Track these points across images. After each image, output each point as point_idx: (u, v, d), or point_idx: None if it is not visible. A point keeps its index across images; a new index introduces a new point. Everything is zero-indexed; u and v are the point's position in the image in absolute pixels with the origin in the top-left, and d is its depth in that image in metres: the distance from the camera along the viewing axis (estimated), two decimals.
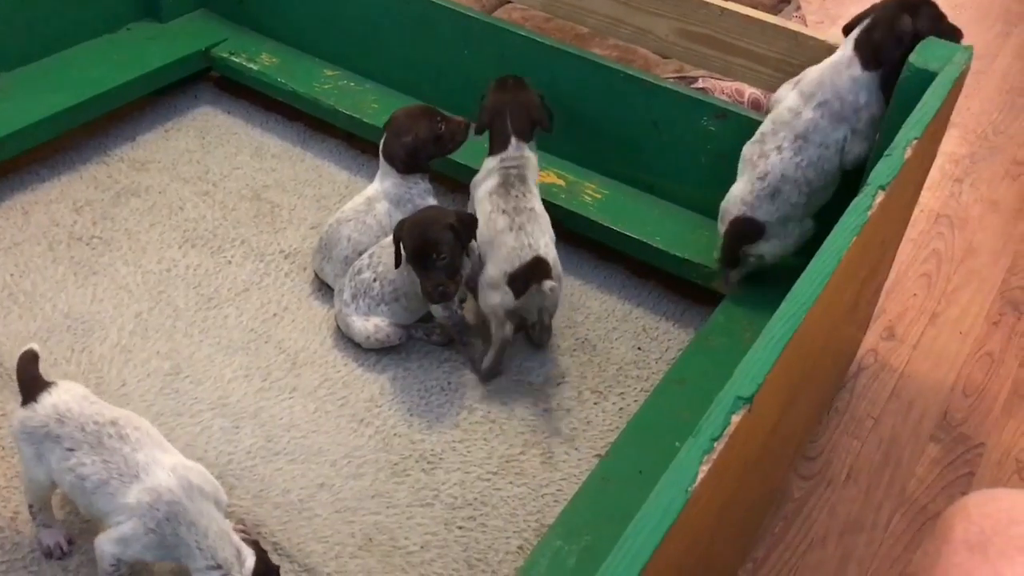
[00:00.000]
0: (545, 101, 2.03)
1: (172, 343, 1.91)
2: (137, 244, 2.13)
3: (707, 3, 1.91)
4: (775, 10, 2.61)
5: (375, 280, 1.91)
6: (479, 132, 2.03)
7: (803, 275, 1.16)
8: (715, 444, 0.94)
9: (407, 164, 1.99)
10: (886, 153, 1.38)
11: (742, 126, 2.00)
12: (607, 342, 2.03)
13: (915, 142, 1.41)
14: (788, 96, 1.85)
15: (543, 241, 1.86)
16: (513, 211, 1.88)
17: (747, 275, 2.00)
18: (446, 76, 2.37)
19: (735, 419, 0.98)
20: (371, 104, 2.42)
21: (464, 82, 2.34)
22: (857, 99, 1.77)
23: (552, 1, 2.13)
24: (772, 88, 2.00)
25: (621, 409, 1.88)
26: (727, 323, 1.96)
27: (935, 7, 1.79)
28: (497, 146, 1.99)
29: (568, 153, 2.06)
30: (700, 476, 0.92)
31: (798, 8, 2.63)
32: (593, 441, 1.82)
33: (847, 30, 1.85)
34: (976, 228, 2.56)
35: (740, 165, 1.90)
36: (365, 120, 2.36)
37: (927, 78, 1.62)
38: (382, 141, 2.02)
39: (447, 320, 1.91)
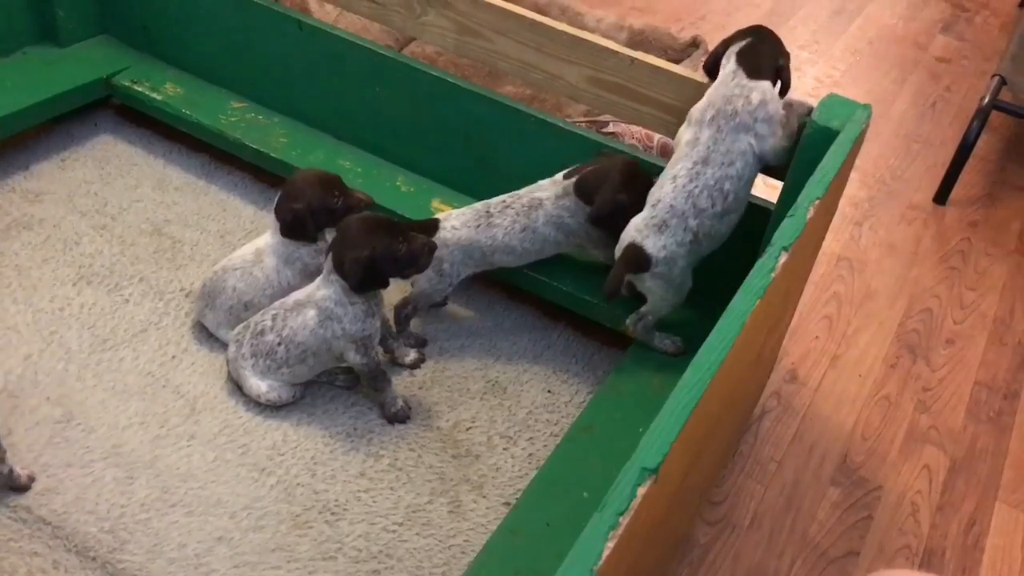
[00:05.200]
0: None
1: (64, 388, 1.82)
2: (28, 281, 2.03)
3: (617, 52, 1.93)
4: (684, 54, 2.66)
5: (280, 344, 1.82)
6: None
7: (707, 341, 1.16)
8: (620, 519, 0.93)
9: (292, 230, 1.90)
10: (789, 214, 1.40)
11: (651, 174, 2.03)
12: (517, 385, 2.02)
13: (818, 202, 1.44)
14: (683, 133, 1.87)
15: (451, 222, 2.00)
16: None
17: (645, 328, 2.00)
18: (356, 112, 2.34)
19: (641, 491, 0.98)
20: (279, 138, 2.37)
21: (374, 119, 2.31)
22: (749, 101, 1.79)
23: (464, 43, 2.12)
24: None
25: (531, 455, 1.87)
26: (635, 368, 1.97)
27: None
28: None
29: (479, 193, 2.05)
30: (606, 553, 0.91)
31: (705, 52, 2.68)
32: (502, 489, 1.80)
33: (707, 67, 1.89)
34: (875, 271, 2.64)
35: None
36: (272, 154, 2.31)
37: (829, 136, 1.66)
38: (277, 197, 1.92)
39: (364, 368, 1.84)
